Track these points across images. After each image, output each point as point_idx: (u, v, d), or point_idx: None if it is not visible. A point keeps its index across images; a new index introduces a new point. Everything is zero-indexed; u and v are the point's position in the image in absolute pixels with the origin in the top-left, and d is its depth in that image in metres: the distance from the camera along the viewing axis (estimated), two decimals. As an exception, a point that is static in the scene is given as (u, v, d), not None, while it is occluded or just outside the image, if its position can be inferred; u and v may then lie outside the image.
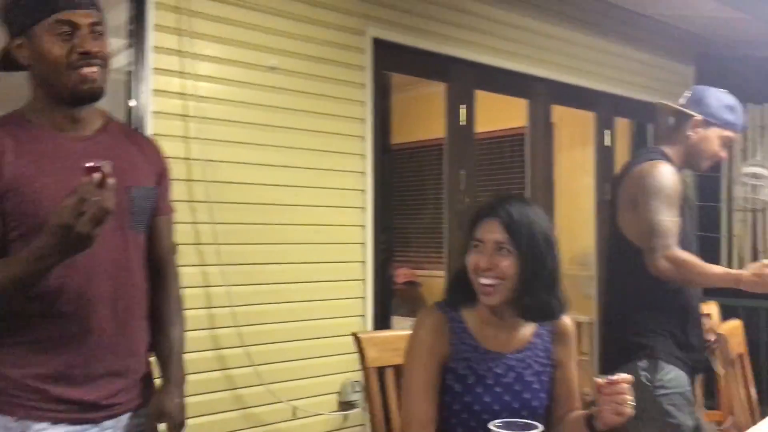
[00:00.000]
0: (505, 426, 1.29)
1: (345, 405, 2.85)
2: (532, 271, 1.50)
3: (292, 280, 2.73)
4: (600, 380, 1.44)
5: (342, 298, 2.88)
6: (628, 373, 2.09)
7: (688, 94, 2.33)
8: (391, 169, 4.23)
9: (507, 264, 1.50)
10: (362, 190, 2.97)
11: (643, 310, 2.18)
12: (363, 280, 2.95)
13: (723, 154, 2.27)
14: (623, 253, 2.20)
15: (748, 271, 2.09)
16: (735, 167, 4.53)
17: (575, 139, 5.02)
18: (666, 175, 2.12)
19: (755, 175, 4.37)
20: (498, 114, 4.78)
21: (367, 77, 2.98)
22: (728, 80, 4.46)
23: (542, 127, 3.84)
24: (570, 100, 4.01)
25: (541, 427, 1.26)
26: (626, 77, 4.18)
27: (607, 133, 4.20)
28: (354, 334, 1.82)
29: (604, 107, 4.16)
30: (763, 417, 2.08)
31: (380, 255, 3.03)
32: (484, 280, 1.51)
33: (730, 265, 4.51)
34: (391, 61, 3.12)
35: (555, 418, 1.62)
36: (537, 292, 1.52)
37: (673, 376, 2.14)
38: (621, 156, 4.50)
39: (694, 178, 4.70)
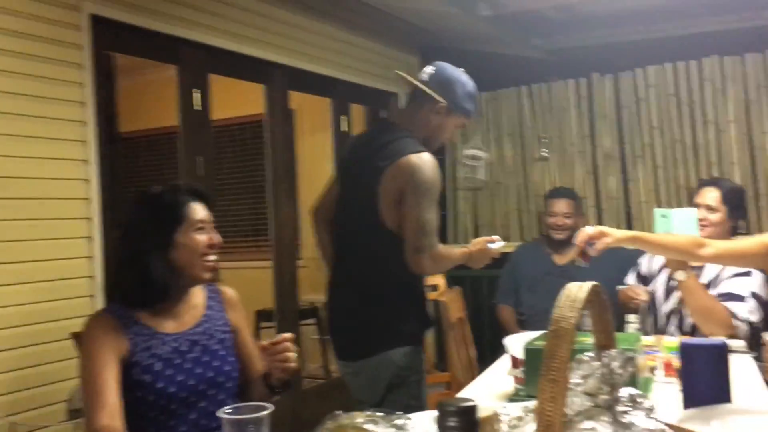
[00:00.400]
0: (235, 411, 1.27)
1: (75, 413, 2.63)
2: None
3: (4, 282, 2.45)
4: (264, 343, 1.62)
5: (66, 298, 2.65)
6: (391, 359, 2.19)
7: (430, 70, 2.28)
8: (123, 157, 3.99)
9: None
10: (86, 180, 2.74)
11: (403, 297, 2.21)
12: (91, 276, 2.74)
13: (453, 137, 2.37)
14: (384, 241, 2.16)
15: (474, 247, 2.26)
16: (457, 150, 4.95)
17: (316, 125, 5.13)
18: (432, 168, 2.13)
19: (474, 157, 4.82)
20: (237, 100, 4.72)
21: (85, 57, 2.75)
22: (449, 70, 4.91)
23: (281, 113, 3.87)
24: (307, 86, 4.09)
25: (271, 407, 1.27)
26: (359, 65, 4.36)
27: (343, 119, 4.35)
28: (74, 334, 1.70)
29: (340, 94, 4.30)
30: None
31: (111, 251, 2.83)
32: (212, 257, 1.67)
33: (456, 241, 4.94)
34: (114, 40, 2.92)
35: (245, 379, 1.76)
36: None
37: (422, 359, 2.27)
38: (357, 141, 4.69)
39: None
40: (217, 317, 1.75)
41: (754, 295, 2.54)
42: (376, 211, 2.15)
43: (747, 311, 2.50)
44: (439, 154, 5.09)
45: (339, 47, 4.18)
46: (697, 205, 2.77)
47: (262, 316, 4.69)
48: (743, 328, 2.50)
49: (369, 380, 2.20)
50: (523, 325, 3.62)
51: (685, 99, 4.36)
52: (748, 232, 4.12)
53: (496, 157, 4.88)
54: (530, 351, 1.59)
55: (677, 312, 2.72)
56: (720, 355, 1.34)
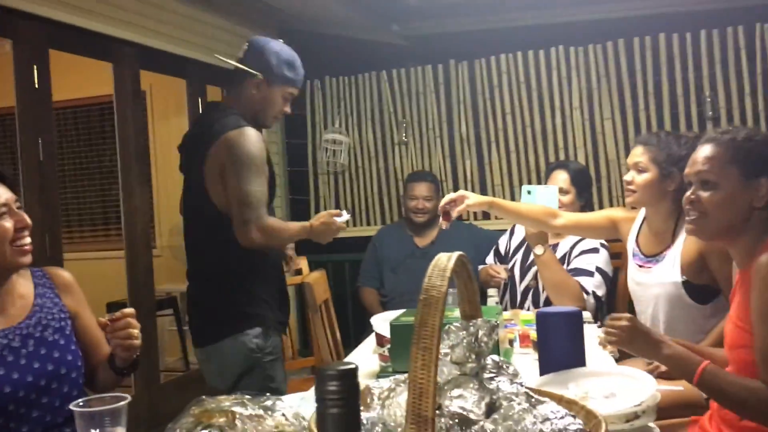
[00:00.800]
0: (87, 404, 1.18)
1: None
2: None
3: None
4: (102, 320, 1.53)
5: None
6: (241, 342, 2.13)
7: (245, 46, 2.27)
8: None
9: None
10: None
11: (250, 280, 2.18)
12: None
13: (287, 109, 2.29)
14: (217, 223, 2.13)
15: (316, 221, 2.25)
16: (318, 134, 4.92)
17: (170, 108, 4.91)
18: (254, 142, 2.10)
19: (335, 141, 4.82)
20: (84, 80, 4.42)
21: None
22: (309, 54, 4.85)
23: (131, 94, 3.65)
24: (160, 66, 3.89)
25: (128, 398, 1.19)
26: (216, 46, 4.20)
27: (200, 102, 4.18)
28: None
29: (196, 75, 4.14)
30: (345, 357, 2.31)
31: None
32: (26, 240, 1.53)
33: (319, 225, 4.92)
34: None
35: (92, 367, 1.66)
36: None
37: (276, 342, 2.23)
38: (215, 124, 4.53)
39: (284, 145, 5.00)
40: (50, 305, 1.61)
41: (599, 270, 2.74)
42: (205, 194, 2.13)
43: (594, 285, 2.69)
44: (300, 137, 5.07)
45: (195, 26, 4.02)
46: None
47: (114, 308, 4.44)
48: (591, 301, 2.69)
49: (220, 365, 2.18)
50: (386, 307, 3.67)
51: (534, 86, 4.58)
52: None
53: (356, 141, 4.90)
54: (396, 327, 1.60)
55: (532, 288, 2.87)
56: (575, 322, 1.41)
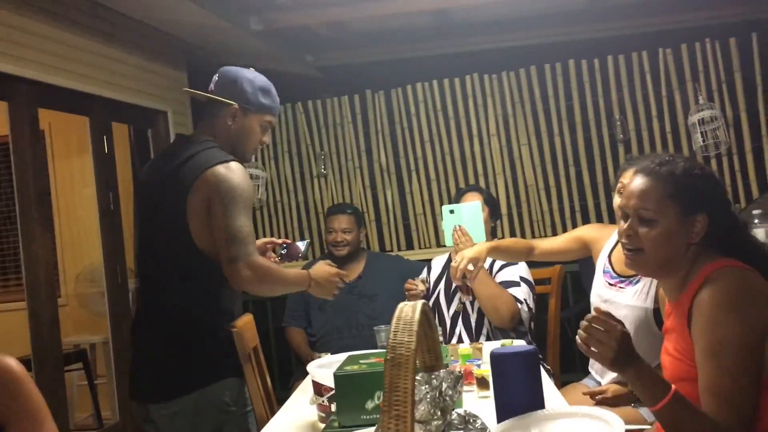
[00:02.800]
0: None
1: None
2: None
3: None
4: None
5: None
6: (214, 394, 1.94)
7: (215, 78, 2.17)
8: None
9: None
10: None
11: (223, 324, 2.01)
12: None
13: (265, 139, 2.18)
14: (194, 261, 1.97)
15: (319, 273, 2.12)
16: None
17: (71, 147, 4.64)
18: (242, 176, 1.98)
19: (251, 176, 4.66)
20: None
21: None
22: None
23: (29, 134, 3.38)
24: (60, 103, 3.64)
25: None
26: (121, 81, 3.99)
27: (105, 140, 3.95)
28: None
29: (100, 112, 3.90)
30: (280, 405, 2.16)
31: None
32: None
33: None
34: None
35: None
36: None
37: (246, 391, 2.07)
38: (122, 162, 4.30)
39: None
40: None
41: (524, 280, 2.83)
42: (185, 232, 1.96)
43: (524, 294, 2.78)
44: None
45: (97, 61, 3.79)
46: None
47: (17, 366, 4.10)
48: (525, 309, 2.75)
49: (189, 421, 1.95)
50: (315, 347, 3.53)
51: (451, 114, 4.59)
52: (503, 235, 4.45)
53: (274, 175, 4.76)
54: (342, 378, 1.47)
55: (460, 311, 2.88)
56: (532, 361, 1.34)
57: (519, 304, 2.74)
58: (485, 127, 4.56)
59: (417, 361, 1.08)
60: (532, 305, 2.79)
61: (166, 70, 4.47)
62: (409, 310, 0.86)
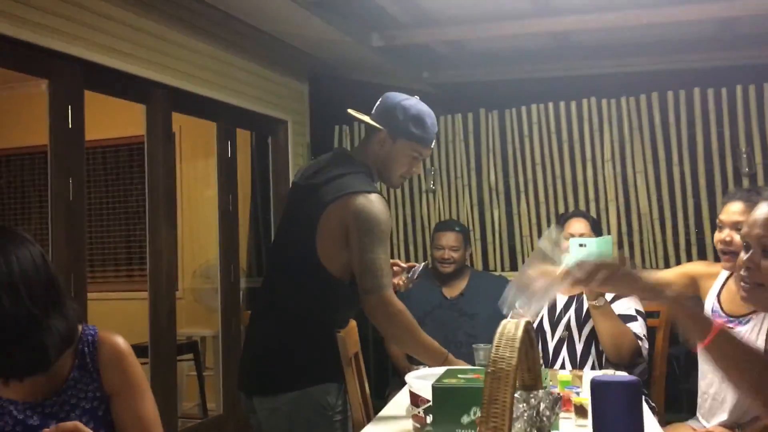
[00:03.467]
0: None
1: None
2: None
3: None
4: None
5: None
6: (311, 395, 2.02)
7: (378, 102, 2.24)
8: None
9: None
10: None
11: (329, 335, 2.09)
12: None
13: (416, 169, 2.22)
14: (314, 276, 2.06)
15: (455, 361, 2.13)
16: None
17: (198, 150, 4.92)
18: (381, 210, 2.04)
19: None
20: (117, 120, 4.45)
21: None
22: (338, 100, 4.86)
23: (162, 136, 3.65)
24: (191, 108, 3.89)
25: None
26: (246, 90, 4.22)
27: (229, 144, 4.18)
28: None
29: (226, 118, 4.14)
30: (375, 409, 2.21)
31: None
32: None
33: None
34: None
35: None
36: (4, 349, 1.29)
37: (345, 399, 2.13)
38: (243, 167, 4.53)
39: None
40: (87, 380, 1.42)
41: (639, 313, 2.68)
42: (312, 246, 2.05)
43: (642, 329, 2.64)
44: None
45: (226, 70, 4.03)
46: (570, 236, 2.86)
47: (135, 351, 4.37)
48: (645, 346, 2.62)
49: (287, 418, 2.04)
50: (413, 359, 3.57)
51: (565, 137, 4.53)
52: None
53: (384, 188, 4.84)
54: (440, 390, 1.51)
55: (565, 339, 2.79)
56: (634, 392, 1.32)
57: (639, 341, 2.58)
58: (600, 152, 4.47)
59: (517, 379, 1.10)
60: (646, 338, 2.65)
61: (288, 80, 4.68)
62: (512, 327, 0.89)
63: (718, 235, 2.23)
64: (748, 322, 2.15)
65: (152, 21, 3.42)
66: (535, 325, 2.89)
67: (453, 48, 4.37)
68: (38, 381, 1.37)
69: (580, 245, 2.61)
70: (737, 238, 2.15)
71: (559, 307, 2.85)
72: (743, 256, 1.46)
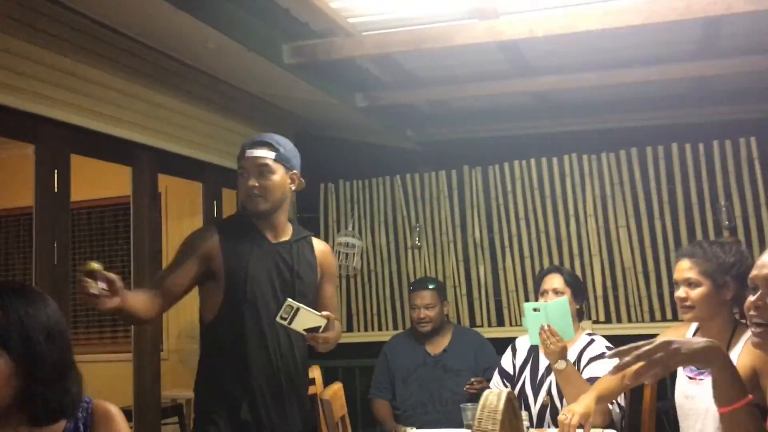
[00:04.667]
0: None
1: None
2: (31, 372, 1.38)
3: None
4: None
5: None
6: None
7: None
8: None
9: None
10: None
11: None
12: None
13: (250, 183, 2.31)
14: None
15: None
16: (331, 237, 4.91)
17: (184, 209, 4.93)
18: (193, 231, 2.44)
19: (347, 245, 4.79)
20: (102, 182, 4.47)
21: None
22: (324, 158, 4.92)
23: (148, 196, 3.66)
24: (177, 169, 3.92)
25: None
26: (232, 150, 4.21)
27: (215, 204, 4.19)
28: None
29: (212, 178, 4.16)
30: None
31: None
32: None
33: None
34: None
35: None
36: (40, 392, 1.39)
37: None
38: (229, 227, 4.51)
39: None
40: None
41: None
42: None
43: None
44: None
45: (211, 131, 4.07)
46: (545, 291, 2.87)
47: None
48: (616, 411, 2.57)
49: None
50: (399, 419, 3.53)
51: (548, 193, 4.59)
52: (597, 318, 4.34)
53: (369, 244, 4.87)
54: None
55: (548, 404, 2.74)
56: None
57: (609, 405, 2.54)
58: (582, 207, 4.53)
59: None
60: (624, 404, 2.62)
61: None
62: (494, 398, 0.89)
63: (676, 293, 2.27)
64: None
65: (139, 85, 3.46)
66: (517, 391, 2.85)
67: (436, 107, 4.45)
68: None
69: (534, 309, 2.61)
70: (691, 293, 2.21)
71: (541, 370, 2.82)
72: (750, 298, 1.44)
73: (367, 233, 4.89)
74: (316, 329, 2.07)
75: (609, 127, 4.54)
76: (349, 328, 4.83)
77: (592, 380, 2.59)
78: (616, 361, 2.62)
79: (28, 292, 1.45)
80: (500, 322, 4.60)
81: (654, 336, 2.69)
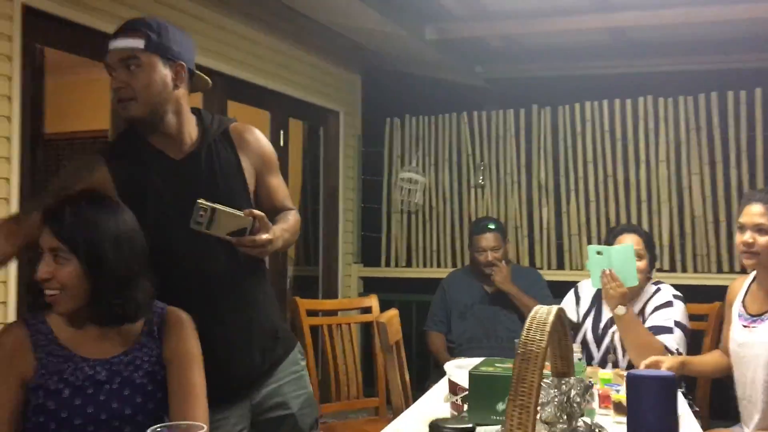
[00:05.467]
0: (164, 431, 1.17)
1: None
2: (97, 276, 1.45)
3: None
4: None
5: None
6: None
7: None
8: (46, 158, 3.78)
9: (66, 272, 1.43)
10: (6, 179, 2.57)
11: None
12: (4, 282, 2.54)
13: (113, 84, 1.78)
14: None
15: None
16: (394, 172, 4.92)
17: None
18: None
19: (411, 180, 4.80)
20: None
21: (14, 49, 2.58)
22: (391, 92, 4.90)
23: (217, 123, 3.73)
24: (246, 97, 3.98)
25: (204, 427, 1.17)
26: (300, 80, 4.29)
27: (281, 134, 4.25)
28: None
29: (279, 107, 4.21)
30: (415, 400, 2.24)
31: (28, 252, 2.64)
32: (47, 291, 1.44)
33: (388, 263, 4.89)
34: (47, 34, 2.75)
35: (171, 418, 1.51)
36: (105, 296, 1.46)
37: None
38: (295, 157, 4.60)
39: (359, 181, 5.00)
40: (152, 345, 1.55)
41: (678, 324, 2.59)
42: None
43: (676, 342, 2.55)
44: (376, 174, 5.06)
45: (281, 59, 4.10)
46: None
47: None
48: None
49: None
50: (453, 353, 3.58)
51: (619, 136, 4.47)
52: (661, 267, 4.25)
53: (432, 181, 4.87)
54: (476, 377, 1.53)
55: (612, 350, 2.72)
56: (669, 387, 1.32)
57: (669, 354, 2.48)
58: (654, 152, 4.39)
59: (549, 366, 1.12)
60: (684, 353, 2.56)
61: (341, 72, 4.73)
62: (544, 312, 0.90)
63: (740, 238, 2.19)
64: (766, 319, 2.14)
65: (209, 10, 3.50)
66: (579, 340, 2.82)
67: (507, 43, 4.35)
68: (111, 340, 1.50)
69: (598, 252, 2.56)
70: (759, 239, 2.14)
71: (603, 321, 2.79)
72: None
73: (431, 170, 4.88)
74: (242, 231, 1.64)
75: (687, 69, 4.35)
76: (408, 263, 4.88)
77: (655, 329, 2.56)
78: (678, 310, 2.59)
79: (103, 201, 1.51)
80: (560, 266, 4.57)
81: (720, 287, 2.65)
